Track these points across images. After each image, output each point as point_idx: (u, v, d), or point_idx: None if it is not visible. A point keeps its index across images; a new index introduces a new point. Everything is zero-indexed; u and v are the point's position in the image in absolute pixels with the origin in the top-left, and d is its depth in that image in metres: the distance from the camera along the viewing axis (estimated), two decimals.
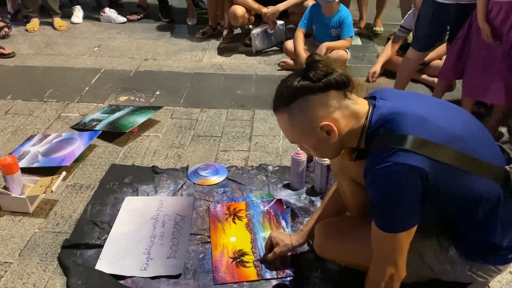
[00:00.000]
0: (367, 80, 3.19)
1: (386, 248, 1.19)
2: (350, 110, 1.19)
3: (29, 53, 3.70)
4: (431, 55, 2.97)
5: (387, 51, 3.18)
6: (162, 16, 4.45)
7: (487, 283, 1.42)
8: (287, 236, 1.66)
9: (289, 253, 1.67)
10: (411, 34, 3.03)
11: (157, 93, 3.04)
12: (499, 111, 2.48)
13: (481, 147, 1.19)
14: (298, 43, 3.33)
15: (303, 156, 2.02)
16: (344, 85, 1.17)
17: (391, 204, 1.12)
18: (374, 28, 4.20)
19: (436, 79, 2.89)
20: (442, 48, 2.97)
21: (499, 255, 1.26)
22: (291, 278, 1.62)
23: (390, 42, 3.22)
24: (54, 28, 4.22)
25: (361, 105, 1.21)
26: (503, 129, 2.59)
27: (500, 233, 1.22)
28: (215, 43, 3.94)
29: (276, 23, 3.71)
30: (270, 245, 1.67)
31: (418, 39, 2.65)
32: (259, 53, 3.71)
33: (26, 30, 4.15)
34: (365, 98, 1.26)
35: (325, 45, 3.24)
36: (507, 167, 1.19)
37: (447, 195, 1.16)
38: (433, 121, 1.15)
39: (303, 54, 3.27)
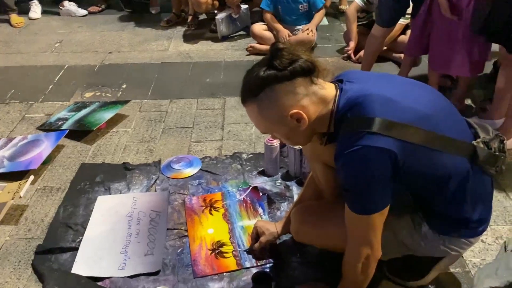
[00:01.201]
0: (346, 59, 3.23)
1: (360, 230, 1.20)
2: (318, 96, 1.19)
3: None
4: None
5: (351, 22, 3.19)
6: (123, 5, 4.32)
7: (460, 255, 1.45)
8: (272, 225, 1.66)
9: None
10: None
11: (124, 86, 2.97)
12: (464, 83, 2.53)
13: (449, 124, 1.20)
14: (272, 21, 3.33)
15: (275, 142, 2.01)
16: (310, 72, 1.16)
17: (362, 187, 1.13)
18: (339, 7, 4.20)
19: (402, 55, 2.91)
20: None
21: (470, 228, 1.28)
22: (271, 264, 1.62)
23: (348, 13, 3.22)
24: (11, 25, 4.06)
25: (328, 90, 1.20)
26: (469, 100, 2.64)
27: (470, 207, 1.24)
28: (180, 31, 3.87)
29: (240, 8, 3.66)
30: (256, 234, 1.67)
31: (381, 15, 2.65)
32: (225, 38, 3.66)
33: None
34: (331, 82, 1.25)
35: (313, 24, 3.26)
36: (474, 142, 1.21)
37: (418, 174, 1.17)
38: (400, 101, 1.15)
39: (283, 28, 3.30)
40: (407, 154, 1.11)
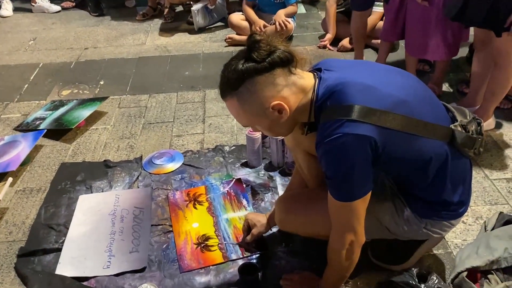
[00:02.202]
0: (322, 47, 3.23)
1: (344, 217, 1.21)
2: (297, 86, 1.19)
3: None
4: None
5: (330, 16, 3.21)
6: (91, 10, 4.11)
7: (442, 238, 1.48)
8: (263, 216, 1.66)
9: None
10: None
11: (101, 83, 2.92)
12: (441, 67, 2.55)
13: (426, 109, 1.21)
14: (250, 13, 3.33)
15: (257, 134, 2.01)
16: (288, 62, 1.16)
17: (343, 174, 1.14)
18: None
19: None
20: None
21: (451, 210, 1.31)
22: (257, 255, 1.63)
23: (328, 6, 3.24)
24: None
25: (307, 79, 1.20)
26: (446, 84, 2.68)
27: (450, 189, 1.26)
28: (157, 24, 3.82)
29: None
30: (247, 227, 1.67)
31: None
32: (202, 30, 3.63)
33: None
34: (310, 71, 1.25)
35: (281, 11, 3.25)
36: (451, 126, 1.23)
37: (398, 159, 1.18)
38: (378, 88, 1.16)
39: (258, 19, 3.30)
40: (386, 140, 1.12)
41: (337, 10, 3.31)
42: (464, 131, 1.23)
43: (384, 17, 2.55)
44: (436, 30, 2.33)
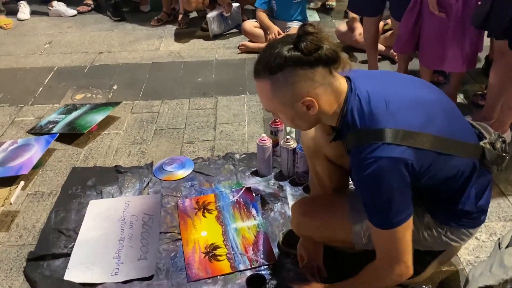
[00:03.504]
0: None
1: (389, 246, 1.18)
2: (333, 88, 1.16)
3: None
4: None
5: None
6: (112, 15, 4.12)
7: (458, 249, 1.47)
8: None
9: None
10: None
11: (115, 87, 2.94)
12: (456, 78, 2.52)
13: (455, 125, 1.21)
14: (264, 18, 3.32)
15: (268, 142, 2.00)
16: (332, 62, 1.13)
17: (383, 200, 1.12)
18: (326, 3, 4.17)
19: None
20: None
21: (472, 218, 1.30)
22: (265, 267, 1.61)
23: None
24: (0, 27, 4.01)
25: (342, 85, 1.18)
26: (461, 95, 2.64)
27: (472, 199, 1.26)
28: (171, 30, 3.84)
29: (232, 6, 3.63)
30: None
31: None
32: (216, 37, 3.64)
33: None
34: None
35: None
36: (481, 143, 1.23)
37: (429, 178, 1.17)
38: (408, 107, 1.14)
39: (273, 25, 3.28)
40: (421, 160, 1.11)
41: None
42: (492, 149, 1.23)
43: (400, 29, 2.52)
44: (452, 41, 2.30)
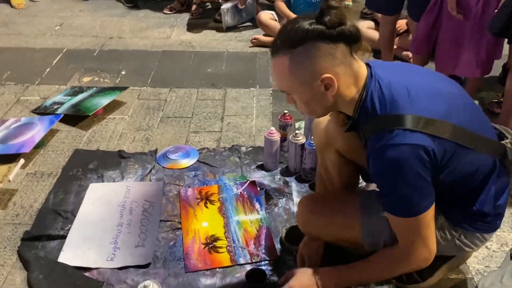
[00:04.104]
0: None
1: (413, 233, 1.14)
2: (352, 70, 1.11)
3: None
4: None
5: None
6: (125, 1, 4.10)
7: (469, 256, 1.41)
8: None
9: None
10: None
11: (123, 73, 2.90)
12: (472, 84, 2.46)
13: (477, 121, 1.16)
14: (284, 9, 3.26)
15: (276, 136, 1.94)
16: (354, 40, 1.08)
17: (406, 188, 1.07)
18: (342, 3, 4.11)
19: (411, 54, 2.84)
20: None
21: (487, 221, 1.24)
22: (266, 262, 1.56)
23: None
24: (12, 6, 3.98)
25: (361, 68, 1.13)
26: (476, 102, 2.57)
27: (488, 202, 1.20)
28: (183, 19, 3.79)
29: None
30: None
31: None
32: (229, 29, 3.58)
33: None
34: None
35: None
36: (504, 142, 1.18)
37: (448, 171, 1.12)
38: (429, 96, 1.10)
39: (293, 14, 3.21)
40: (441, 150, 1.06)
41: (367, 19, 3.24)
42: None
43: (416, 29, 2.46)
44: (469, 45, 2.24)
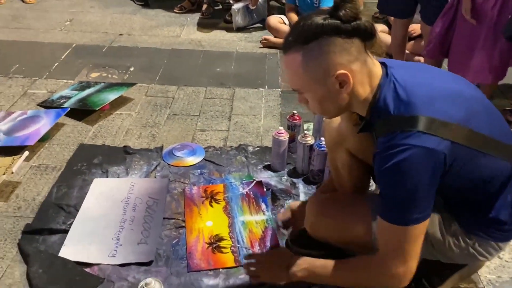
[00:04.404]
0: None
1: (396, 243, 1.07)
2: (367, 68, 1.07)
3: None
4: None
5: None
6: None
7: (482, 265, 1.36)
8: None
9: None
10: None
11: (131, 69, 2.87)
12: (483, 90, 2.40)
13: (496, 126, 1.12)
14: (294, 17, 3.26)
15: (284, 136, 1.91)
16: (369, 36, 1.05)
17: (405, 193, 1.02)
18: None
19: (422, 59, 2.80)
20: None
21: (503, 230, 1.18)
22: None
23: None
24: (23, 1, 3.98)
25: (376, 66, 1.09)
26: None
27: (504, 209, 1.15)
28: (194, 19, 3.77)
29: None
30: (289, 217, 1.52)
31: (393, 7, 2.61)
32: (239, 30, 3.56)
33: None
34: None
35: None
36: None
37: (461, 176, 1.07)
38: (447, 98, 1.05)
39: None
40: (454, 155, 1.01)
41: (379, 22, 3.20)
42: None
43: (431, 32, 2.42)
44: (482, 50, 2.20)
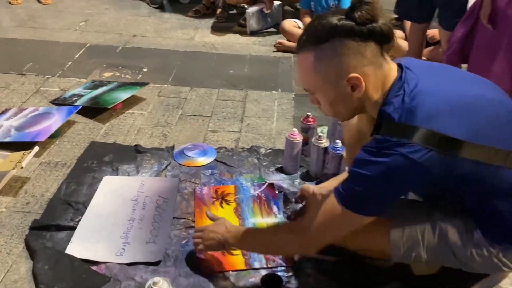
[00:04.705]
0: None
1: (328, 220, 1.09)
2: (382, 72, 1.05)
3: (10, 25, 3.50)
4: None
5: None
6: (150, 1, 4.09)
7: (505, 276, 1.29)
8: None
9: None
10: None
11: (145, 70, 2.86)
12: None
13: None
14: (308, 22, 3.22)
15: (298, 138, 1.86)
16: (386, 39, 1.02)
17: (371, 189, 1.02)
18: None
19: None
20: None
21: None
22: (283, 268, 1.47)
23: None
24: (39, 2, 4.01)
25: (392, 71, 1.07)
26: None
27: None
28: (208, 22, 3.76)
29: (273, 3, 3.54)
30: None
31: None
32: (254, 33, 3.54)
33: (9, 3, 3.94)
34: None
35: None
36: None
37: (475, 189, 1.05)
38: (460, 110, 1.01)
39: None
40: (458, 169, 0.99)
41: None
42: None
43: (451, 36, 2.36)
44: (504, 56, 2.13)
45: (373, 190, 1.02)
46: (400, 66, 1.09)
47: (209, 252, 1.50)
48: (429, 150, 0.96)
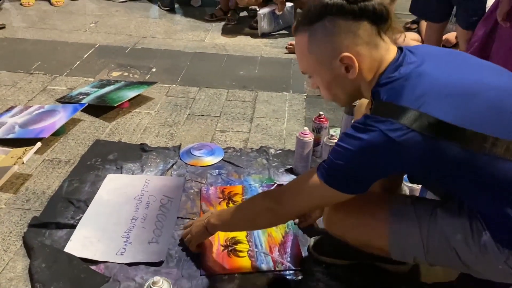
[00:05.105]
0: None
1: (305, 192, 1.07)
2: (379, 52, 1.01)
3: (21, 26, 3.49)
4: None
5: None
6: (161, 4, 4.05)
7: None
8: None
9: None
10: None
11: (153, 70, 2.81)
12: None
13: None
14: None
15: (309, 137, 1.79)
16: (380, 19, 0.99)
17: (349, 164, 0.99)
18: None
19: None
20: None
21: None
22: (291, 272, 1.39)
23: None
24: (51, 4, 4.00)
25: (390, 52, 1.02)
26: None
27: None
28: (219, 25, 3.71)
29: (285, 4, 3.48)
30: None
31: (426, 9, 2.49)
32: (265, 35, 3.48)
33: (21, 5, 3.94)
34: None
35: None
36: None
37: (475, 182, 0.97)
38: (452, 93, 0.95)
39: None
40: (442, 153, 0.93)
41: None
42: None
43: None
44: None
45: (351, 165, 0.99)
46: (400, 48, 1.05)
47: (213, 254, 1.43)
48: (411, 130, 0.92)
